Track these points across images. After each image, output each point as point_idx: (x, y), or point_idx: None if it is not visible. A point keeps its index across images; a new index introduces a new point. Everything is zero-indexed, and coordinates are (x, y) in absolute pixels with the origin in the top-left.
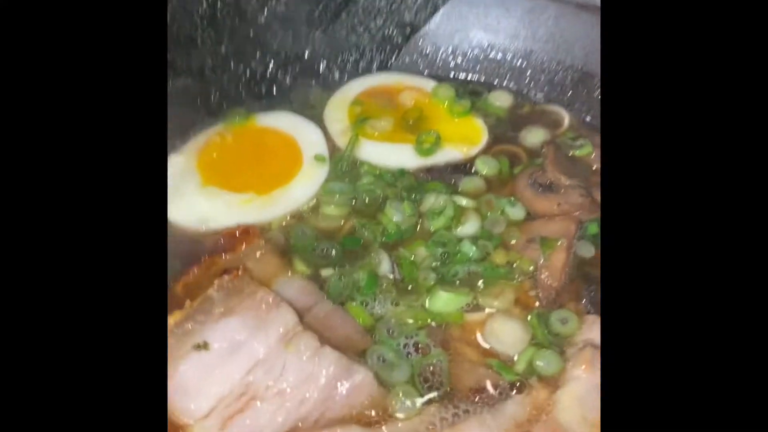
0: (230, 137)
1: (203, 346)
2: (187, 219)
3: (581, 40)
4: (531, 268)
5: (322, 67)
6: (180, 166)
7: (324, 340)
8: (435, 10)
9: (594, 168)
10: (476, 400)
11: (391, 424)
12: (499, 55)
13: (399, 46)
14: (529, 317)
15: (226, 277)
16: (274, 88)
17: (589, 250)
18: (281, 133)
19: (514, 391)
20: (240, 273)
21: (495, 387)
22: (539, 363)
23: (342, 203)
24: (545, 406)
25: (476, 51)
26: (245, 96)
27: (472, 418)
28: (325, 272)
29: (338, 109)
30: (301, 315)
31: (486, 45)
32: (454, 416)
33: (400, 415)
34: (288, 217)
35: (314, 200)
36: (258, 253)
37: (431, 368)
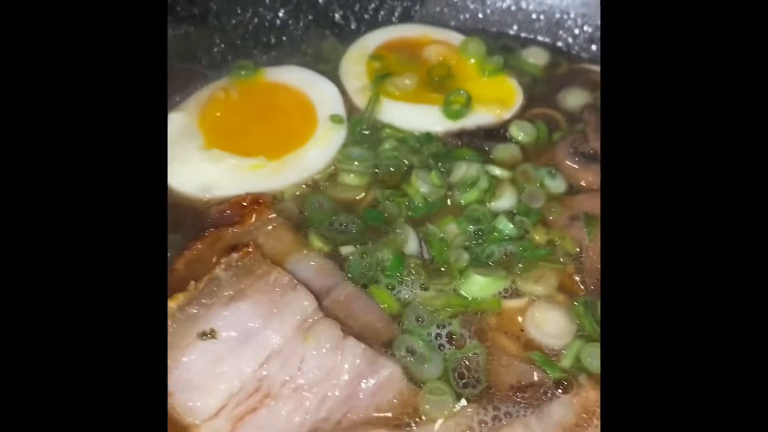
0: (236, 93)
1: (210, 334)
2: (189, 185)
3: None
4: (576, 249)
5: (337, 15)
6: (180, 124)
7: (345, 328)
8: None
9: None
10: (518, 400)
11: (423, 428)
12: (534, 6)
13: None
14: (575, 305)
15: (234, 255)
16: (284, 39)
17: None
18: (293, 89)
19: (561, 390)
20: (251, 250)
21: (539, 386)
22: (588, 358)
23: (362, 171)
24: (596, 408)
25: (508, 2)
26: (253, 46)
27: (515, 421)
28: (345, 250)
29: (356, 63)
30: (318, 299)
31: None
32: (494, 419)
33: (432, 417)
34: (303, 186)
35: (331, 167)
36: (269, 227)
37: (466, 362)
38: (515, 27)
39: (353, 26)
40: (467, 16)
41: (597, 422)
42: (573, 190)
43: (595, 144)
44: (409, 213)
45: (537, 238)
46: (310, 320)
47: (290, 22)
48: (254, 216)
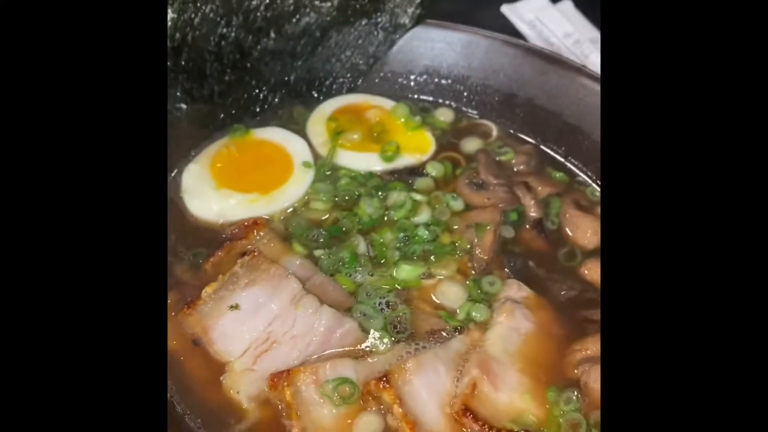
0: (234, 148)
1: (235, 307)
2: (209, 214)
3: (505, 68)
4: (468, 246)
5: (304, 89)
6: (197, 172)
7: (321, 301)
8: (392, 44)
9: (515, 170)
10: (431, 339)
11: (372, 357)
12: (443, 80)
13: (364, 72)
14: (467, 282)
15: (246, 257)
16: (266, 108)
17: (509, 232)
18: (274, 144)
19: (457, 333)
20: (256, 254)
21: (444, 331)
22: (474, 313)
23: (326, 200)
24: (478, 342)
25: (424, 77)
26: (243, 115)
27: (428, 351)
28: (318, 252)
29: (317, 123)
30: (302, 283)
31: (432, 72)
32: (416, 350)
33: (378, 351)
34: (286, 211)
35: (305, 197)
36: (266, 240)
37: (398, 319)
38: (430, 95)
39: (315, 96)
40: (396, 87)
41: (478, 349)
42: (468, 208)
43: (483, 176)
44: (360, 226)
45: (444, 240)
46: (298, 296)
47: (269, 96)
48: (255, 232)
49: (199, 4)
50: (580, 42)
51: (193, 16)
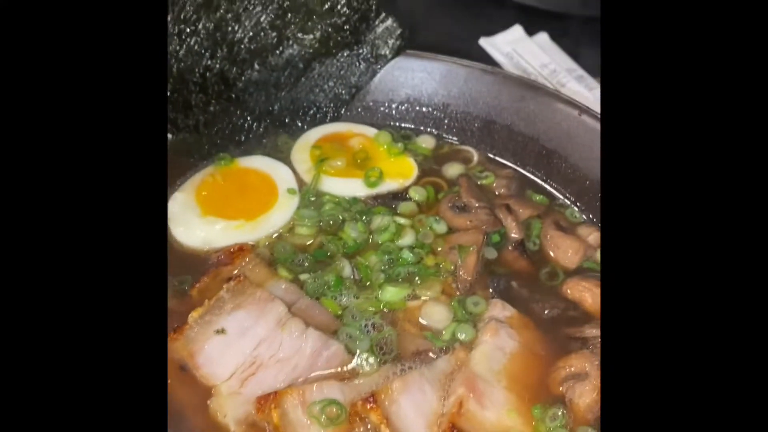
0: (219, 176)
1: (221, 331)
2: (194, 241)
3: (484, 96)
4: (452, 267)
5: (287, 119)
6: (183, 200)
7: (307, 324)
8: (374, 74)
9: (497, 193)
10: (417, 360)
11: (358, 378)
12: (424, 108)
13: (347, 102)
14: (452, 302)
15: (231, 282)
16: (251, 137)
17: (492, 254)
18: (259, 172)
19: (443, 353)
20: (242, 279)
21: (429, 351)
22: (459, 333)
23: (311, 225)
24: (464, 361)
25: (406, 105)
26: (228, 144)
27: (414, 371)
28: (303, 276)
29: (302, 151)
30: (288, 307)
31: (413, 100)
32: (402, 371)
33: (364, 373)
34: (272, 237)
35: (290, 223)
36: (251, 265)
37: (384, 340)
38: (411, 122)
39: (299, 125)
40: (378, 115)
41: (464, 369)
42: (451, 230)
43: (465, 200)
44: (344, 250)
45: (428, 262)
46: (284, 319)
47: (254, 125)
48: (240, 258)
49: (183, 37)
50: (557, 72)
51: (177, 48)
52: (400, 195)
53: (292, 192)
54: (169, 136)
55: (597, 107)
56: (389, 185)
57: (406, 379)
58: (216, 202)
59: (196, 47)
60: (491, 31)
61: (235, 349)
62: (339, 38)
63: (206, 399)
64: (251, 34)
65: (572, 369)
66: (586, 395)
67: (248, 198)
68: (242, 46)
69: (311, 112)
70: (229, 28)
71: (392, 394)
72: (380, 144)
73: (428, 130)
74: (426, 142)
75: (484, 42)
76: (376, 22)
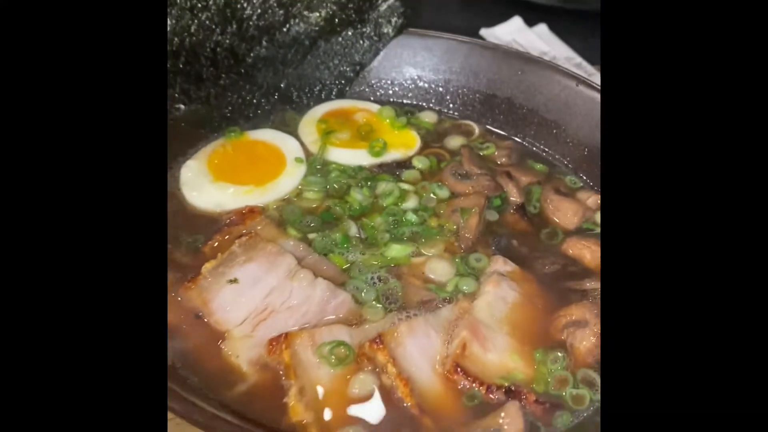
0: (230, 147)
1: (234, 281)
2: (207, 204)
3: (484, 70)
4: (454, 227)
5: (294, 95)
6: (195, 167)
7: (316, 275)
8: (377, 52)
9: (498, 163)
10: (422, 308)
11: (366, 324)
12: (426, 84)
13: (351, 79)
14: (455, 259)
15: (243, 238)
16: (259, 112)
17: (494, 216)
18: (268, 144)
19: (447, 303)
20: (253, 235)
21: (434, 301)
22: (463, 286)
23: (318, 190)
24: (467, 309)
25: (408, 81)
26: (238, 118)
27: (419, 317)
28: (311, 235)
29: (308, 125)
30: (298, 262)
31: (416, 77)
32: (407, 318)
33: (371, 320)
34: (280, 201)
35: (298, 189)
36: (261, 225)
37: (390, 291)
38: (414, 98)
39: (305, 102)
40: (381, 92)
41: (467, 316)
42: (453, 195)
43: (467, 168)
44: (351, 212)
45: (431, 223)
46: (294, 270)
47: (263, 101)
48: (251, 219)
49: (195, 12)
50: (556, 59)
51: (190, 23)
52: (403, 164)
53: (299, 161)
54: (182, 106)
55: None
56: (393, 155)
57: (412, 324)
58: (227, 170)
59: (207, 22)
60: (491, 25)
61: (247, 297)
62: (343, 16)
63: (220, 343)
64: (259, 11)
65: (573, 317)
66: (587, 340)
67: (257, 166)
68: (251, 23)
69: (317, 89)
70: (239, 5)
71: (398, 336)
72: (384, 118)
73: (430, 106)
74: (428, 117)
75: (485, 32)
76: (379, 1)
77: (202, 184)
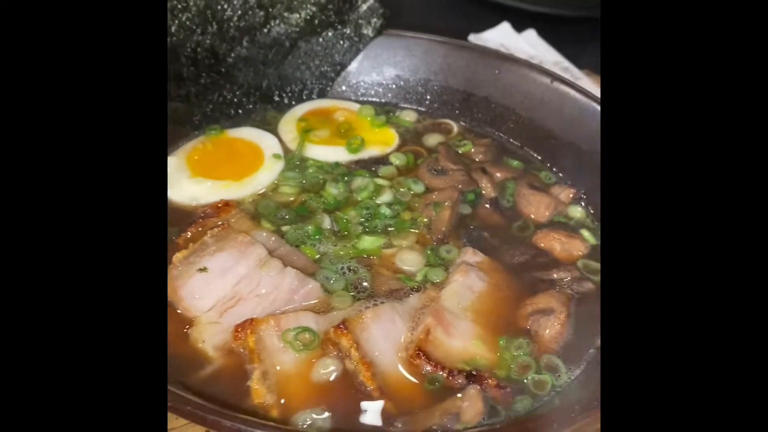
0: (210, 144)
1: (204, 269)
2: (183, 197)
3: (463, 71)
4: (426, 220)
5: (276, 95)
6: (175, 164)
7: (285, 265)
8: (357, 53)
9: (475, 159)
10: (390, 297)
11: (333, 312)
12: (406, 84)
13: (332, 79)
14: (426, 250)
15: (215, 229)
16: (240, 111)
17: (467, 209)
18: (247, 141)
19: (414, 292)
20: (225, 226)
21: (402, 289)
22: (432, 276)
23: (295, 185)
24: (435, 298)
25: (389, 81)
26: (219, 117)
27: (386, 304)
28: (285, 228)
29: (289, 124)
30: (269, 253)
31: (395, 76)
32: (374, 305)
33: (339, 308)
34: (256, 195)
35: (275, 183)
36: (235, 218)
37: (359, 280)
38: (394, 98)
39: (286, 101)
40: (362, 92)
41: (434, 304)
42: (428, 190)
43: (443, 164)
44: (325, 206)
45: (405, 216)
46: (264, 259)
47: (243, 100)
48: (225, 212)
49: (175, 12)
50: (544, 63)
51: (170, 23)
52: (381, 160)
53: (277, 157)
54: None
55: None
56: (371, 152)
57: (378, 310)
58: (205, 166)
59: (187, 23)
60: (480, 30)
61: (216, 285)
62: (323, 18)
63: (187, 330)
64: (240, 12)
65: (539, 305)
66: (551, 327)
67: (236, 162)
68: (231, 24)
69: (298, 88)
70: (219, 6)
71: (363, 321)
72: (364, 117)
73: (410, 105)
74: (408, 116)
75: (473, 38)
76: (359, 2)
77: (179, 179)
